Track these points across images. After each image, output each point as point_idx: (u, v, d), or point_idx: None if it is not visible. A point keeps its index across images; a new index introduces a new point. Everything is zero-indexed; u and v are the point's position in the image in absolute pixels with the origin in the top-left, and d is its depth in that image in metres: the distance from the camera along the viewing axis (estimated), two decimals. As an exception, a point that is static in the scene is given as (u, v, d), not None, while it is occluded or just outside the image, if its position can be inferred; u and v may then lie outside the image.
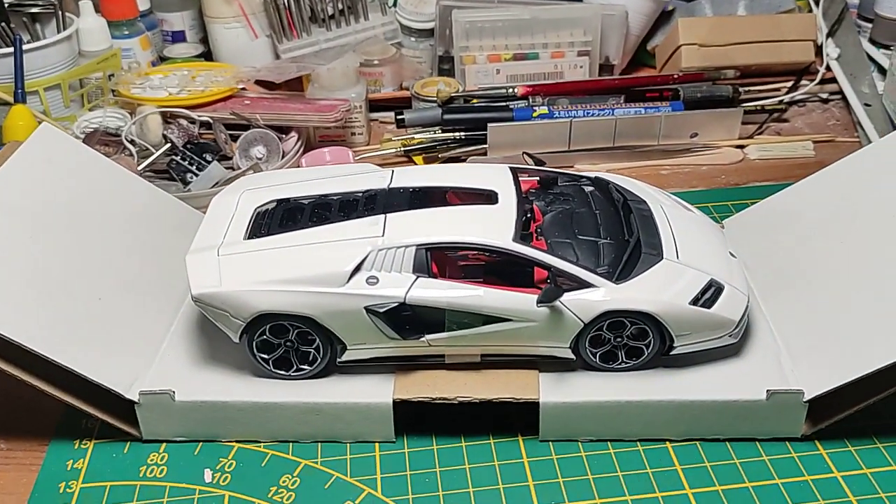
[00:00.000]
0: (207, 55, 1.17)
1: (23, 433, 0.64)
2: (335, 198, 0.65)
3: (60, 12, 1.04)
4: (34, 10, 1.05)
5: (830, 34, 1.12)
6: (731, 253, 0.65)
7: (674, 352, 0.60)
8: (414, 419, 0.61)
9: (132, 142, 0.94)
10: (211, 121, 0.95)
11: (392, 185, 0.65)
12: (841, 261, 0.64)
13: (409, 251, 0.58)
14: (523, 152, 0.74)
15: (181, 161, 0.89)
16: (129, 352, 0.63)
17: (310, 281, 0.58)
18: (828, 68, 1.09)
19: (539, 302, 0.57)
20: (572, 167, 0.96)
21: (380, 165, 0.71)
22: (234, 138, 0.94)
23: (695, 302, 0.59)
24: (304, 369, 0.61)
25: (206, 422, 0.61)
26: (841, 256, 0.64)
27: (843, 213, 0.67)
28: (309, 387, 0.61)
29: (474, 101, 1.01)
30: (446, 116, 0.97)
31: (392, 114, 1.02)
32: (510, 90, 1.01)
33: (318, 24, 1.11)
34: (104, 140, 0.94)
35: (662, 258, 0.61)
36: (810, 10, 1.13)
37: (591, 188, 0.68)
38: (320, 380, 0.62)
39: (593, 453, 0.60)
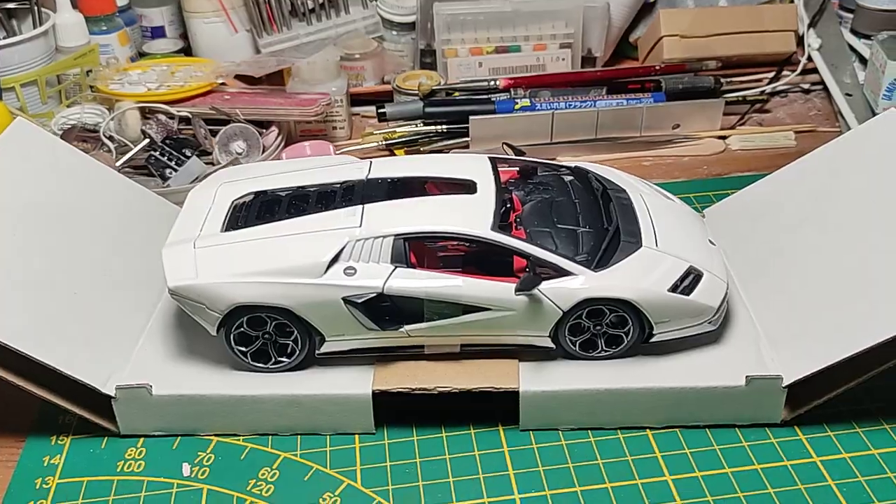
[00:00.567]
0: (187, 50, 1.16)
1: (-2, 430, 0.63)
2: (313, 189, 0.65)
3: (37, 7, 1.03)
4: (10, 5, 1.04)
5: (812, 24, 1.12)
6: (710, 241, 0.65)
7: (653, 339, 0.60)
8: (394, 410, 0.60)
9: (110, 138, 0.93)
10: (190, 116, 0.94)
11: (370, 176, 0.65)
12: (820, 248, 0.64)
13: (387, 241, 0.58)
14: (503, 143, 0.74)
15: (160, 157, 0.89)
16: (105, 346, 0.62)
17: (287, 272, 0.58)
18: (809, 59, 1.09)
19: (517, 290, 0.57)
20: (554, 159, 0.95)
21: (362, 160, 0.71)
22: (214, 133, 0.94)
23: (674, 289, 0.59)
24: (282, 361, 0.61)
25: (184, 416, 0.61)
26: (820, 243, 0.64)
27: (822, 201, 0.67)
28: (288, 379, 0.61)
29: (456, 94, 1.01)
30: (428, 109, 0.97)
31: (374, 108, 1.01)
32: (492, 83, 1.00)
33: (298, 19, 1.10)
34: (82, 136, 0.93)
35: (641, 246, 0.60)
36: (791, 1, 1.13)
37: (570, 177, 0.68)
38: (299, 372, 0.61)
39: (574, 442, 0.59)
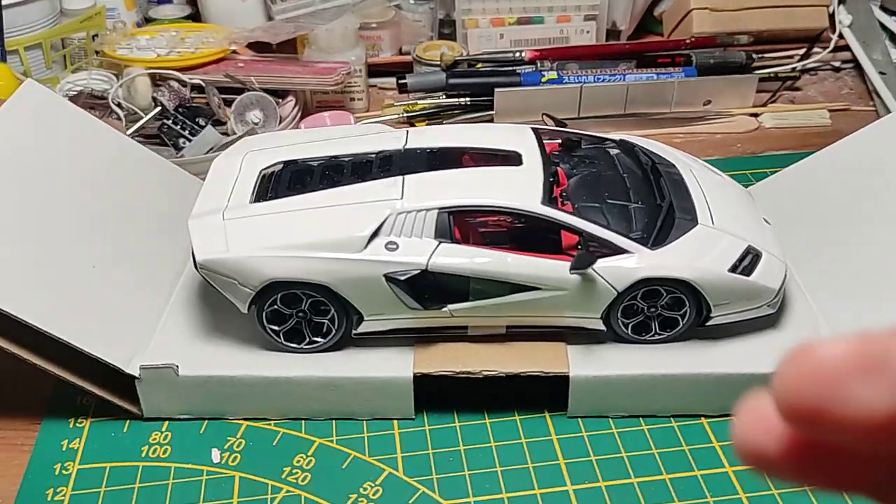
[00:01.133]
0: (195, 17, 1.11)
1: (11, 411, 0.59)
2: (347, 159, 0.61)
3: (39, -33, 0.97)
4: (11, -35, 0.98)
5: (841, 1, 1.09)
6: (765, 219, 0.62)
7: (710, 322, 0.57)
8: (434, 394, 0.57)
9: (119, 105, 0.88)
10: (203, 84, 0.90)
11: (408, 146, 0.61)
12: (875, 228, 0.61)
13: (431, 215, 0.55)
14: (543, 113, 0.70)
15: (173, 125, 0.84)
16: (127, 323, 0.59)
17: (325, 246, 0.54)
18: (840, 36, 1.06)
19: (572, 268, 0.53)
20: (583, 134, 0.92)
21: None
22: (227, 103, 0.89)
23: (733, 269, 0.56)
24: (317, 342, 0.57)
25: (212, 398, 0.57)
26: (875, 224, 0.62)
27: (873, 180, 0.64)
28: (322, 360, 0.57)
29: (479, 65, 0.97)
30: (451, 81, 0.93)
31: (392, 79, 0.97)
32: (517, 54, 0.96)
33: (312, -15, 1.05)
34: (89, 103, 0.88)
35: (697, 223, 0.57)
36: (821, -23, 1.10)
37: (616, 151, 0.65)
38: (334, 353, 0.58)
39: (625, 430, 0.56)
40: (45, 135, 0.65)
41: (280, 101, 0.91)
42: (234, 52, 0.97)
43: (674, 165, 0.63)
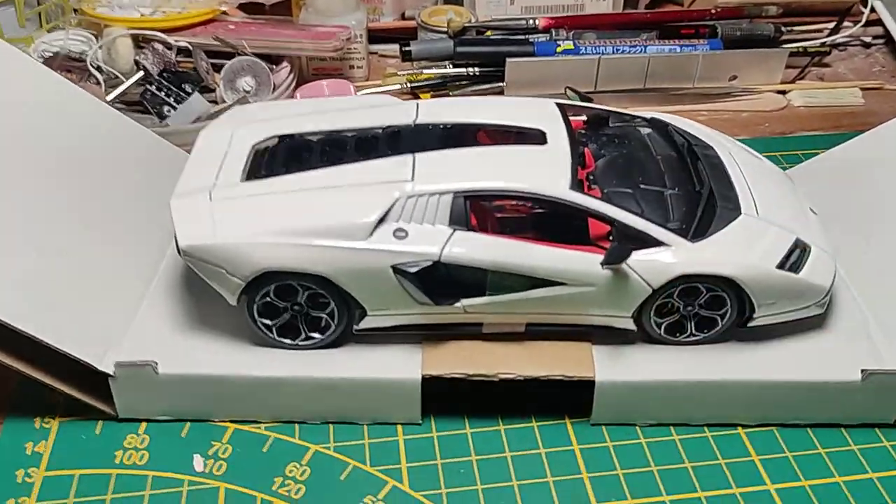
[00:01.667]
0: (183, -25, 1.04)
1: (-29, 409, 0.53)
2: (350, 134, 0.55)
3: (12, -84, 0.90)
4: (-18, -87, 0.91)
5: (873, -28, 1.02)
6: (811, 209, 0.56)
7: (752, 323, 0.51)
8: (443, 397, 0.51)
9: (99, 69, 0.81)
10: (190, 47, 0.83)
11: (419, 121, 0.55)
12: None
13: (445, 199, 0.48)
14: (566, 87, 0.64)
15: (157, 91, 0.78)
16: (101, 314, 0.52)
17: (325, 233, 0.48)
18: (872, 9, 0.99)
19: (604, 263, 0.48)
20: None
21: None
22: (217, 68, 0.83)
23: (781, 266, 0.50)
24: (314, 338, 0.51)
25: (194, 399, 0.51)
26: None
27: None
28: (320, 358, 0.51)
29: (489, 33, 0.90)
30: (459, 49, 0.86)
31: (395, 46, 0.90)
32: (530, 22, 0.90)
33: (309, -58, 0.98)
34: (66, 66, 0.81)
35: (741, 213, 0.51)
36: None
37: (647, 130, 0.59)
38: (333, 350, 0.52)
39: (655, 440, 0.51)
40: (15, 101, 0.58)
41: (274, 67, 0.84)
42: (224, 12, 0.90)
43: (711, 147, 0.57)
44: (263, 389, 0.51)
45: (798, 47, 0.93)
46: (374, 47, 0.96)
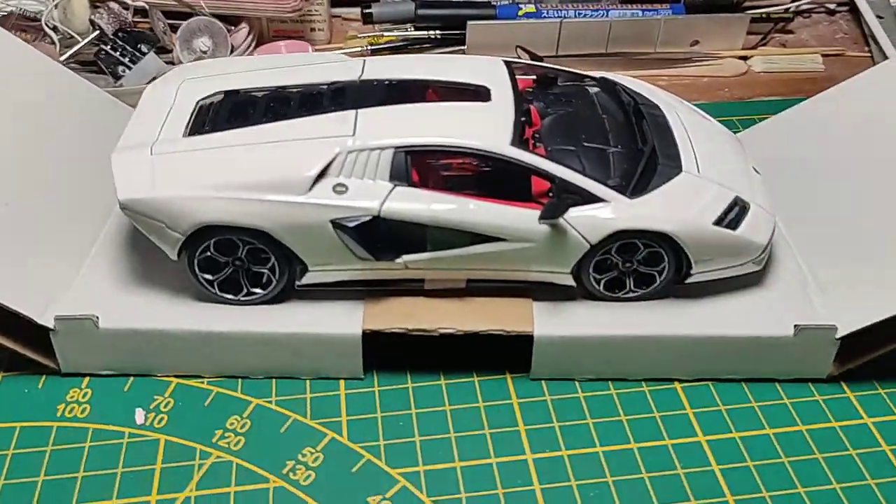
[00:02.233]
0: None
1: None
2: (295, 91, 0.55)
3: None
4: None
5: (839, -62, 1.02)
6: (754, 168, 0.57)
7: (689, 280, 0.52)
8: (385, 353, 0.52)
9: (54, 28, 0.81)
10: (147, 7, 0.82)
11: (364, 77, 0.55)
12: (869, 182, 0.57)
13: (386, 154, 0.49)
14: (517, 46, 0.64)
15: (111, 51, 0.77)
16: (44, 269, 0.52)
17: (265, 187, 0.48)
18: (837, -24, 0.99)
19: (542, 218, 0.48)
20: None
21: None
22: (175, 28, 0.82)
23: (718, 222, 0.51)
24: (255, 293, 0.52)
25: (137, 353, 0.52)
26: (869, 177, 0.57)
27: (870, 130, 0.59)
28: (262, 313, 0.52)
29: (451, -5, 0.89)
30: (420, 12, 0.86)
31: (357, 9, 0.90)
32: (493, -15, 0.89)
33: None
34: (21, 25, 0.81)
35: (681, 171, 0.52)
36: None
37: (596, 89, 0.59)
38: (275, 306, 0.52)
39: (593, 394, 0.52)
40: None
41: (232, 28, 0.83)
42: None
43: (658, 107, 0.57)
44: (205, 344, 0.51)
45: (761, 13, 0.93)
46: (338, 10, 0.95)
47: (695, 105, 0.83)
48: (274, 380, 0.52)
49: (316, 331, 0.51)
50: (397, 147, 0.49)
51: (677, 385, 0.52)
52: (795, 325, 0.50)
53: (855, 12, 0.98)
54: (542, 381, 0.52)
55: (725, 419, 0.50)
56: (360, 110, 0.51)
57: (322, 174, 0.48)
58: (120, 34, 0.78)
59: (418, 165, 0.50)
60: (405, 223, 0.49)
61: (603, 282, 0.52)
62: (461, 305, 0.52)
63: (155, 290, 0.53)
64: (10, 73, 0.60)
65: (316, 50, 0.87)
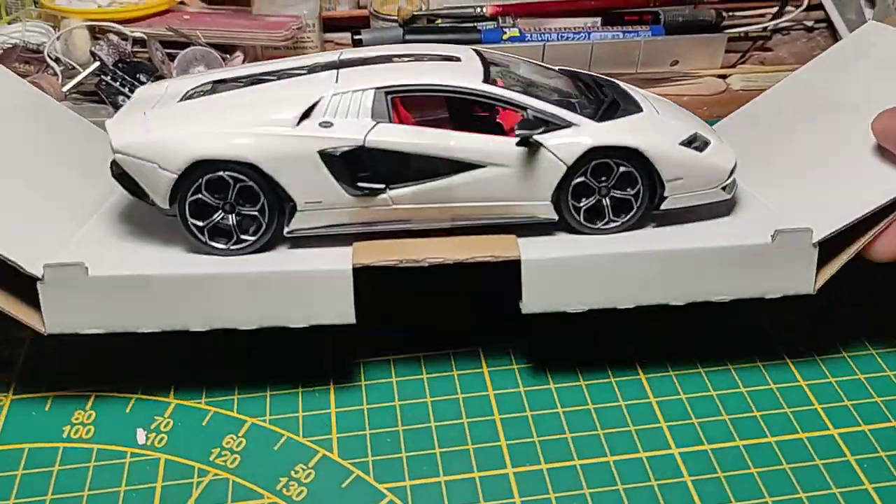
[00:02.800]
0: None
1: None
2: (276, 72, 0.58)
3: None
4: None
5: (816, -45, 1.05)
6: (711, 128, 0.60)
7: (664, 205, 0.54)
8: (372, 356, 0.55)
9: (56, 60, 0.84)
10: (145, 37, 0.86)
11: (343, 58, 0.59)
12: (824, 146, 0.60)
13: (367, 95, 0.52)
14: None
15: (111, 82, 0.80)
16: (39, 230, 0.54)
17: (254, 123, 0.52)
18: (814, -7, 1.02)
19: (517, 129, 0.52)
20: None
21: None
22: (172, 58, 0.85)
23: (686, 144, 0.54)
24: (245, 240, 0.53)
25: (124, 306, 0.51)
26: (823, 143, 0.60)
27: (822, 108, 0.63)
28: (252, 259, 0.53)
29: (439, 21, 0.93)
30: (408, 38, 0.89)
31: (349, 35, 0.93)
32: (478, 10, 0.92)
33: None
34: (24, 57, 0.84)
35: (643, 111, 0.56)
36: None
37: (557, 70, 0.63)
38: (265, 254, 0.54)
39: (562, 386, 0.55)
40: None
41: (227, 56, 0.87)
42: (181, 2, 0.92)
43: (616, 83, 0.61)
44: (193, 291, 0.51)
45: (739, 32, 0.96)
46: (330, 35, 0.99)
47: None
48: (268, 396, 0.55)
49: (305, 268, 0.51)
50: (377, 87, 0.52)
51: (642, 376, 0.56)
52: (775, 230, 0.52)
53: (833, 28, 1.01)
54: (517, 371, 0.55)
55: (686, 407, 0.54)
56: (341, 70, 0.55)
57: (307, 114, 0.52)
58: (119, 65, 0.81)
59: (398, 108, 0.54)
60: (388, 153, 0.52)
61: (582, 211, 0.54)
62: (448, 241, 0.53)
63: (146, 244, 0.55)
64: (9, 108, 0.62)
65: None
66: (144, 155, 0.51)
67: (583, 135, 0.52)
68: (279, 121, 0.51)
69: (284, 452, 0.52)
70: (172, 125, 0.52)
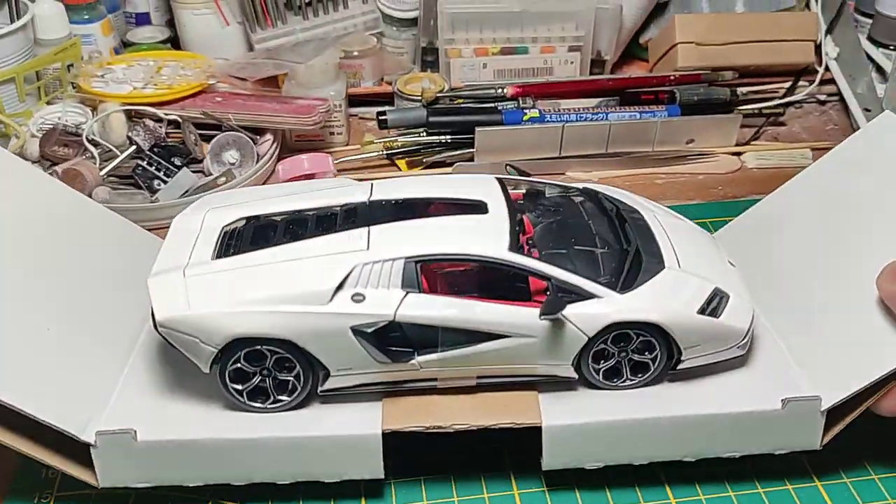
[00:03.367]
0: (174, 41, 1.10)
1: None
2: (310, 213, 0.60)
3: (14, -2, 0.96)
4: (-14, -6, 0.97)
5: (829, 31, 1.08)
6: (729, 262, 0.62)
7: (681, 366, 0.56)
8: (404, 450, 0.56)
9: (94, 143, 0.87)
10: (180, 120, 0.89)
11: (372, 198, 0.61)
12: (836, 260, 0.61)
13: (398, 265, 0.54)
14: (507, 164, 0.69)
15: (147, 166, 0.83)
16: (83, 389, 0.57)
17: (290, 300, 0.53)
18: (826, 68, 1.05)
19: (542, 314, 0.53)
20: (563, 174, 0.92)
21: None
22: (205, 138, 0.88)
23: (702, 311, 0.56)
24: (282, 400, 0.56)
25: (171, 465, 0.55)
26: (836, 255, 0.61)
27: (835, 209, 0.64)
28: (287, 420, 0.56)
29: (460, 101, 0.96)
30: (432, 119, 0.92)
31: (372, 109, 0.96)
32: (499, 90, 0.95)
33: (294, 12, 1.04)
34: (63, 140, 0.87)
35: (664, 267, 0.57)
36: (807, 6, 1.09)
37: (580, 198, 0.65)
38: (299, 411, 0.56)
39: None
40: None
41: (258, 138, 0.90)
42: (212, 83, 0.96)
43: (637, 211, 0.63)
44: (236, 452, 0.55)
45: (753, 109, 0.98)
46: (355, 110, 1.02)
47: (690, 205, 0.89)
48: (301, 500, 0.56)
49: (338, 433, 0.54)
50: (407, 258, 0.54)
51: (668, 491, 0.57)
52: (783, 399, 0.54)
53: (845, 102, 1.03)
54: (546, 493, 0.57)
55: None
56: (371, 227, 0.57)
57: (341, 286, 0.54)
58: (155, 149, 0.85)
59: (427, 273, 0.56)
60: (418, 326, 0.54)
61: (602, 371, 0.56)
62: (473, 401, 0.56)
63: (185, 403, 0.57)
64: (42, 206, 0.65)
65: (336, 151, 0.94)
66: (186, 329, 0.53)
67: (605, 308, 0.54)
68: (314, 297, 0.53)
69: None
70: (211, 297, 0.54)
